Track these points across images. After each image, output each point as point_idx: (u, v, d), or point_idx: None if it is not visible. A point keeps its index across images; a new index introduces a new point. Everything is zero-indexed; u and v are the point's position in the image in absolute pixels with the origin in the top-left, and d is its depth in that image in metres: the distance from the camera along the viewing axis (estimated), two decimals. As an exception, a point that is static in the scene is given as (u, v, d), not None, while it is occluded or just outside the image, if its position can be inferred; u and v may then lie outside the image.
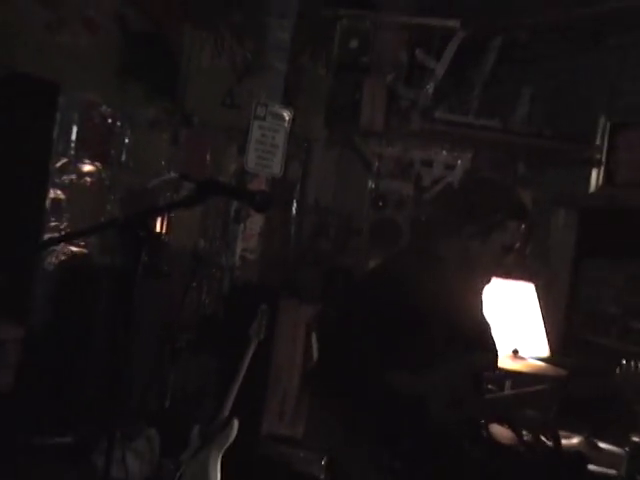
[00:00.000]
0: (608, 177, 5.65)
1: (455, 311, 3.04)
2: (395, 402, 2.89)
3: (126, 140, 6.11)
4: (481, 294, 3.28)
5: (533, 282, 4.82)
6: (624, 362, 3.11)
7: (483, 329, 3.25)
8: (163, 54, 6.18)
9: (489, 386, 3.56)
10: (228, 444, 4.78)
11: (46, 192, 5.78)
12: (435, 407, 2.92)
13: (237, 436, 4.79)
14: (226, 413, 4.82)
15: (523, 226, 3.20)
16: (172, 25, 6.20)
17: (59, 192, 5.83)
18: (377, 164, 6.23)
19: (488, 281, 3.28)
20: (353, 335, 2.99)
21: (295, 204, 6.43)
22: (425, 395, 2.93)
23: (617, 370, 3.09)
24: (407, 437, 2.91)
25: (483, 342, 3.19)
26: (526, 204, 3.43)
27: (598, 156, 5.68)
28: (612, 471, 3.59)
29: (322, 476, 4.31)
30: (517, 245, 3.21)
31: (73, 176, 5.89)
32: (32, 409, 5.22)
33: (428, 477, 2.90)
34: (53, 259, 5.83)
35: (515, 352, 3.87)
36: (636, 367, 3.07)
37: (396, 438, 2.90)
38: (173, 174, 6.01)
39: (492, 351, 3.24)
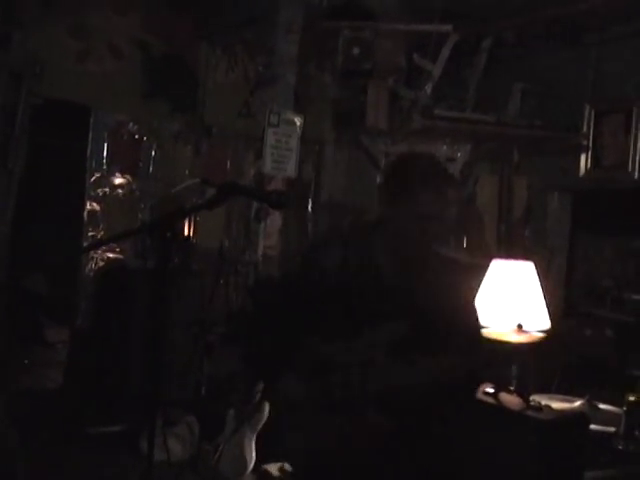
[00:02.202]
0: (595, 161, 5.65)
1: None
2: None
3: (153, 153, 6.18)
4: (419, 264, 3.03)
5: (532, 261, 4.81)
6: None
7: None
8: (182, 73, 6.25)
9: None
10: (261, 425, 4.82)
11: (83, 205, 5.85)
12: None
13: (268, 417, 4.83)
14: (257, 397, 4.85)
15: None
16: (189, 46, 6.26)
17: (95, 204, 5.90)
18: (384, 161, 6.22)
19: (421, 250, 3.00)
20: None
21: (310, 202, 6.44)
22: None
23: None
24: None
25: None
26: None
27: (585, 142, 5.69)
28: (611, 428, 3.60)
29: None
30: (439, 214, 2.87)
31: (106, 189, 5.97)
32: (82, 402, 5.27)
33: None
34: (92, 266, 5.89)
35: (519, 326, 3.85)
36: None
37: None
38: (194, 180, 6.04)
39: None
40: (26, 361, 5.64)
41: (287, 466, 4.65)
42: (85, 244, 5.90)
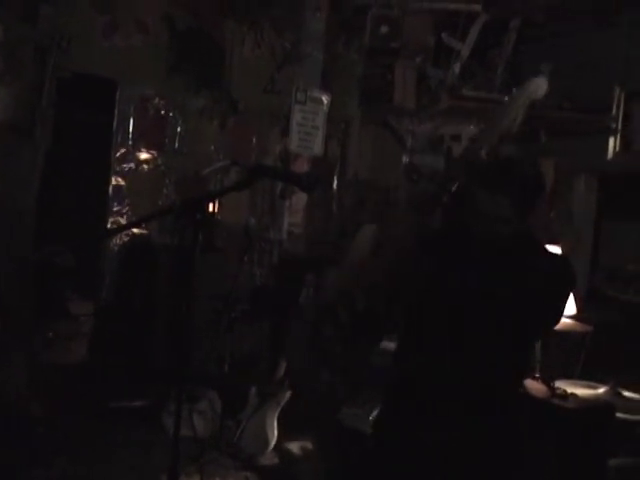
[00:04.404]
0: (624, 144, 5.60)
1: None
2: None
3: (178, 129, 6.19)
4: None
5: (559, 244, 4.79)
6: None
7: None
8: (208, 48, 6.23)
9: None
10: (284, 403, 4.84)
11: (108, 180, 5.87)
12: None
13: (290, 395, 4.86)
14: (280, 375, 4.88)
15: None
16: (215, 21, 6.23)
17: (120, 179, 5.92)
18: (410, 140, 6.21)
19: None
20: None
21: (335, 180, 6.44)
22: None
23: None
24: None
25: None
26: None
27: (614, 125, 5.64)
28: (637, 417, 3.59)
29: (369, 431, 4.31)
30: None
31: (132, 164, 5.98)
32: (105, 376, 5.31)
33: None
34: (117, 240, 5.93)
35: (544, 311, 3.85)
36: None
37: None
38: (225, 161, 6.04)
39: None
40: (50, 334, 5.68)
41: (309, 444, 4.69)
42: (110, 219, 5.92)
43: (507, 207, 2.48)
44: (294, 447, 4.72)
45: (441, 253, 2.66)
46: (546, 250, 2.73)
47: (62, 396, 5.06)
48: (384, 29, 5.83)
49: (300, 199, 6.06)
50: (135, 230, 5.97)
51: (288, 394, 4.86)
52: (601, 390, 3.89)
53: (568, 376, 4.12)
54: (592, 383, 3.98)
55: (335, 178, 6.42)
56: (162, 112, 6.12)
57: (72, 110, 5.58)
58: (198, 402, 5.18)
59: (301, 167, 6.01)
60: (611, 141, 5.69)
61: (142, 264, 5.82)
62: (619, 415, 3.51)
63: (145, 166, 6.04)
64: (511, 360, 2.57)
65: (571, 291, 2.64)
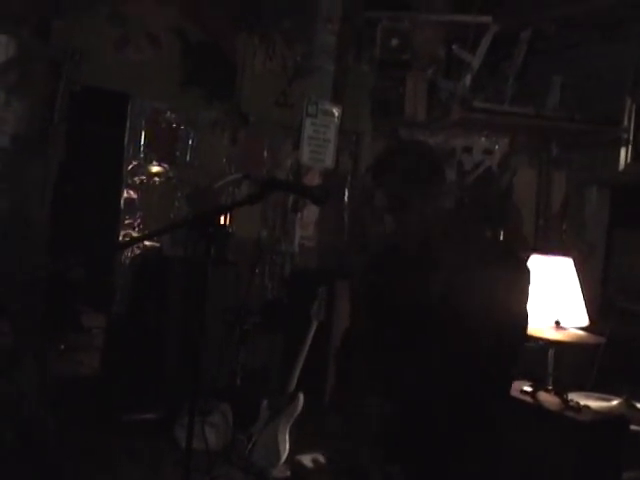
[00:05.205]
0: (636, 155, 5.59)
1: None
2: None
3: (190, 142, 6.19)
4: None
5: (571, 256, 4.78)
6: None
7: None
8: (220, 61, 6.24)
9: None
10: (295, 416, 4.83)
11: (120, 193, 5.88)
12: None
13: (302, 408, 4.84)
14: (292, 388, 4.86)
15: None
16: (227, 35, 6.25)
17: (132, 192, 5.94)
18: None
19: None
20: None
21: (347, 192, 6.43)
22: None
23: None
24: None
25: None
26: None
27: (626, 136, 5.63)
28: (651, 429, 3.57)
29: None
30: None
31: (143, 177, 6.00)
32: (117, 389, 5.31)
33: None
34: (129, 253, 5.93)
35: (557, 323, 3.84)
36: None
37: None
38: (237, 174, 6.05)
39: None
40: (62, 347, 5.69)
41: (320, 457, 4.67)
42: (122, 232, 5.94)
43: (383, 197, 2.54)
44: (306, 460, 4.69)
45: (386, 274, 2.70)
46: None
47: (74, 409, 5.05)
48: (395, 41, 5.85)
49: (312, 212, 6.06)
50: (147, 243, 5.98)
51: (299, 408, 4.85)
52: (614, 402, 3.86)
53: (581, 388, 4.10)
54: (605, 395, 3.95)
55: (347, 190, 6.42)
56: (174, 125, 6.14)
57: (84, 123, 5.60)
58: (210, 415, 5.16)
59: (313, 180, 6.01)
60: (622, 152, 5.68)
61: (154, 277, 5.81)
62: (633, 427, 3.49)
63: (157, 179, 6.06)
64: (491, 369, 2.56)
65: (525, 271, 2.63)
